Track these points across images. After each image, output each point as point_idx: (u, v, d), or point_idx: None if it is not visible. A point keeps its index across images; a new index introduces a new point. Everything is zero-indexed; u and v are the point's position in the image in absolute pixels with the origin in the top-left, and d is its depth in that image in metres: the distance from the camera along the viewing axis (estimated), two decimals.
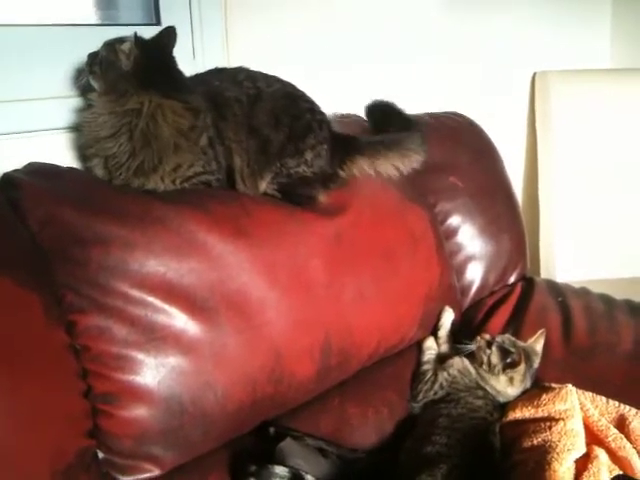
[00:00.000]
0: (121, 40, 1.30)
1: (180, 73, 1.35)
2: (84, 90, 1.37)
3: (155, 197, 1.29)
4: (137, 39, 1.28)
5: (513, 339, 1.52)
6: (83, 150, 1.35)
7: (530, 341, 1.53)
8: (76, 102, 1.41)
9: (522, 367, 1.46)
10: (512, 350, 1.46)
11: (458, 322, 1.73)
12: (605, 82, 2.42)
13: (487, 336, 1.51)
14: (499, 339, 1.50)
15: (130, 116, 1.27)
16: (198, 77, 1.42)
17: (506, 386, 1.47)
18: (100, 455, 1.17)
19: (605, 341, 1.59)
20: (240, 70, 1.42)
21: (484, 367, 1.48)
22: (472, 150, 1.93)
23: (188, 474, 1.24)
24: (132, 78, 1.27)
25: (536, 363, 1.51)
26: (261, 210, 1.37)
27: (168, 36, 1.33)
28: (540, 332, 1.54)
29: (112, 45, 1.30)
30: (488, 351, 1.48)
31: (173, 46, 1.34)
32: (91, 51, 1.32)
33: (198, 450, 1.26)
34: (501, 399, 1.48)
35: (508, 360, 1.45)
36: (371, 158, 1.53)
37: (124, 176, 1.29)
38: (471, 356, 1.52)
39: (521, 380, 1.47)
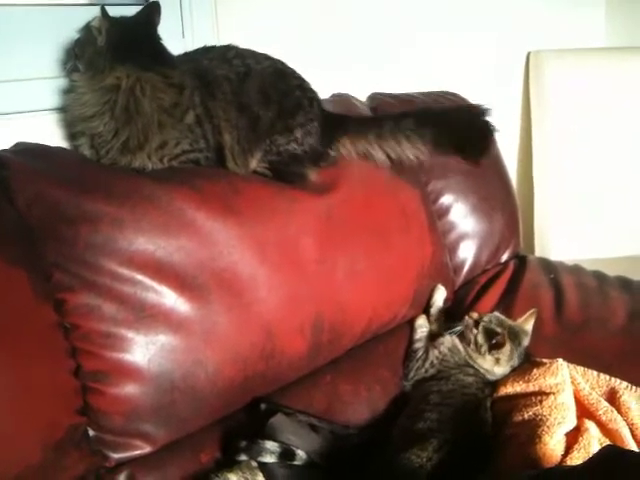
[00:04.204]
0: (93, 19, 1.30)
1: (161, 46, 1.35)
2: (71, 73, 1.36)
3: (144, 175, 1.29)
4: (104, 12, 1.28)
5: (502, 318, 1.51)
6: (70, 129, 1.35)
7: (520, 320, 1.53)
8: (64, 83, 1.40)
9: (507, 348, 1.46)
10: (498, 331, 1.46)
11: (450, 300, 1.74)
12: (600, 61, 2.40)
13: (475, 315, 1.51)
14: (486, 318, 1.49)
15: (110, 93, 1.27)
16: (187, 56, 1.41)
17: (492, 365, 1.47)
18: (91, 432, 1.18)
19: (597, 316, 1.59)
20: (229, 48, 1.42)
21: (471, 346, 1.49)
22: None
23: (179, 451, 1.25)
24: (107, 53, 1.27)
25: (525, 341, 1.51)
26: (250, 188, 1.36)
27: (150, 11, 1.33)
28: (530, 312, 1.54)
29: (86, 25, 1.31)
30: (475, 331, 1.48)
31: (157, 21, 1.34)
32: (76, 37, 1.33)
33: (189, 427, 1.26)
34: (490, 377, 1.48)
35: (493, 341, 1.45)
36: (355, 140, 1.53)
37: (111, 155, 1.29)
38: (461, 335, 1.52)
39: (507, 360, 1.47)
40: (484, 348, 1.47)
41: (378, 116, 1.69)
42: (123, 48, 1.28)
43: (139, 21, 1.33)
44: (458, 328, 1.51)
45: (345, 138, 1.51)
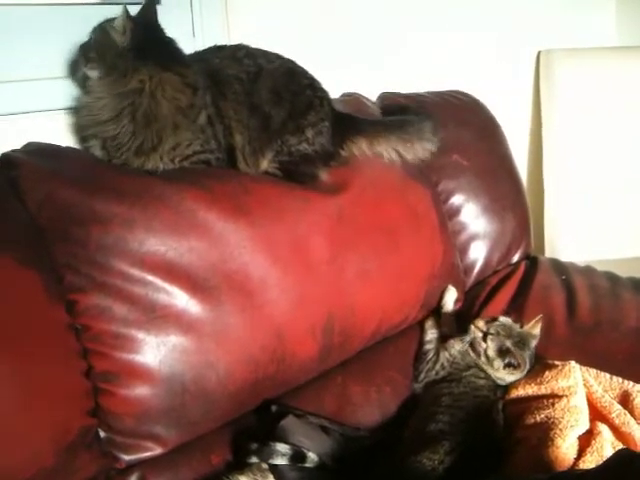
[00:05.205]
0: (109, 20, 1.29)
1: (175, 44, 1.35)
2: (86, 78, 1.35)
3: (154, 176, 1.28)
4: (127, 12, 1.26)
5: (508, 324, 1.50)
6: (81, 132, 1.34)
7: (526, 327, 1.51)
8: (75, 83, 1.40)
9: (522, 366, 1.45)
10: (509, 346, 1.44)
11: (461, 301, 1.73)
12: (610, 60, 2.39)
13: (480, 324, 1.49)
14: (493, 330, 1.47)
15: (133, 96, 1.26)
16: (198, 55, 1.41)
17: (505, 375, 1.47)
18: (102, 434, 1.18)
19: (609, 318, 1.58)
20: (240, 47, 1.41)
21: (482, 359, 1.47)
22: (476, 128, 1.91)
23: (190, 452, 1.25)
24: (129, 54, 1.26)
25: (534, 343, 1.50)
26: (261, 188, 1.36)
27: (151, 9, 1.32)
28: (537, 318, 1.51)
29: (102, 27, 1.29)
30: (483, 345, 1.47)
31: (157, 18, 1.33)
32: (83, 41, 1.32)
33: (200, 429, 1.26)
34: (500, 382, 1.47)
35: (506, 361, 1.44)
36: (371, 139, 1.52)
37: (124, 157, 1.28)
38: (471, 344, 1.50)
39: (522, 371, 1.46)
40: (497, 364, 1.45)
41: (393, 118, 1.67)
42: (144, 48, 1.28)
43: (148, 20, 1.32)
44: (467, 339, 1.50)
45: (360, 138, 1.51)
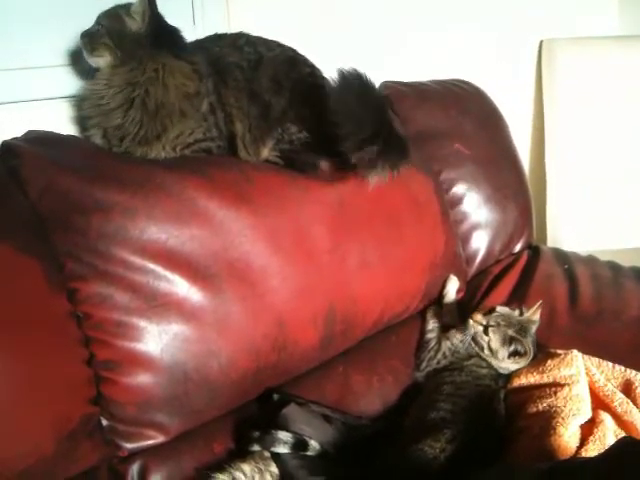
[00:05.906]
0: (122, 7, 1.28)
1: (178, 30, 1.34)
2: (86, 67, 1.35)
3: (156, 164, 1.28)
4: None
5: (507, 313, 1.49)
6: (83, 120, 1.33)
7: (527, 314, 1.50)
8: (77, 71, 1.40)
9: (529, 356, 1.45)
10: (512, 334, 1.44)
11: (463, 291, 1.73)
12: (613, 49, 2.37)
13: (479, 317, 1.48)
14: (493, 322, 1.46)
15: (146, 85, 1.25)
16: (198, 43, 1.40)
17: (509, 365, 1.46)
18: (104, 422, 1.17)
19: (611, 307, 1.57)
20: (240, 35, 1.41)
21: (485, 352, 1.47)
22: (478, 117, 1.90)
23: (192, 441, 1.25)
24: (145, 41, 1.26)
25: (534, 330, 1.49)
26: (262, 176, 1.35)
27: None
28: (537, 305, 1.50)
29: (115, 14, 1.28)
30: (486, 338, 1.46)
31: (156, 5, 1.32)
32: (84, 30, 1.30)
33: (203, 417, 1.26)
34: (504, 372, 1.47)
35: (512, 348, 1.44)
36: None
37: (127, 145, 1.28)
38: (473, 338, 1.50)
39: (526, 359, 1.46)
40: (502, 354, 1.45)
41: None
42: (160, 34, 1.28)
43: (154, 7, 1.31)
44: (468, 335, 1.48)
45: None
